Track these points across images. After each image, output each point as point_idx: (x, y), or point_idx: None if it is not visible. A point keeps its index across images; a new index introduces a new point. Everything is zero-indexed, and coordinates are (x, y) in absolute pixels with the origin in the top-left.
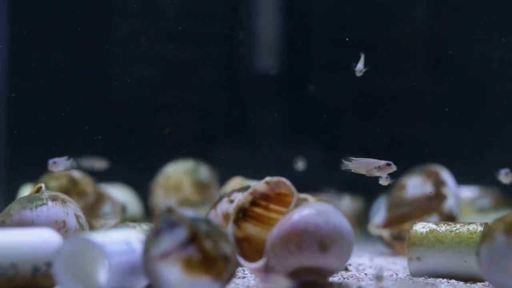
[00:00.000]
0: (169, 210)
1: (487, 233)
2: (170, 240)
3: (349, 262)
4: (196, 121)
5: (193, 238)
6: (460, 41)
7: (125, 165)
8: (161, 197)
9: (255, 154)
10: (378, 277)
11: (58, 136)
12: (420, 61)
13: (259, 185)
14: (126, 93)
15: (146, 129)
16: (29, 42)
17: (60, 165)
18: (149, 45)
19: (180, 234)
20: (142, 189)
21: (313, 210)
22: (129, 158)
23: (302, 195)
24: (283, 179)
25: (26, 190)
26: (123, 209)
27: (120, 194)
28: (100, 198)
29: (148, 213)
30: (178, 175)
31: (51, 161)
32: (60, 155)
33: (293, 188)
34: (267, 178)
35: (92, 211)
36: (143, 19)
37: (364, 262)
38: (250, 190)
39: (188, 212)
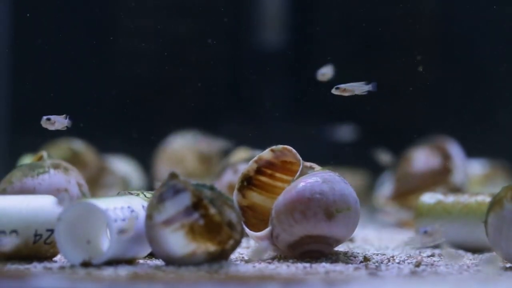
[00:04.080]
0: (173, 176)
1: (496, 201)
2: (173, 206)
3: (355, 233)
4: (202, 96)
5: (197, 204)
6: (464, 18)
7: (130, 137)
8: (164, 170)
9: (260, 128)
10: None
11: (61, 107)
12: (430, 37)
13: (264, 153)
14: (133, 67)
15: (151, 103)
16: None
17: (56, 123)
18: (154, 19)
19: (184, 200)
20: (146, 161)
21: (319, 178)
22: (134, 131)
23: (308, 163)
24: (289, 147)
25: (26, 160)
26: (125, 180)
27: (123, 166)
28: (102, 169)
29: (151, 186)
30: (181, 148)
31: (44, 118)
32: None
33: (298, 156)
34: (273, 146)
35: (94, 182)
36: None
37: (370, 233)
38: (255, 158)
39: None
